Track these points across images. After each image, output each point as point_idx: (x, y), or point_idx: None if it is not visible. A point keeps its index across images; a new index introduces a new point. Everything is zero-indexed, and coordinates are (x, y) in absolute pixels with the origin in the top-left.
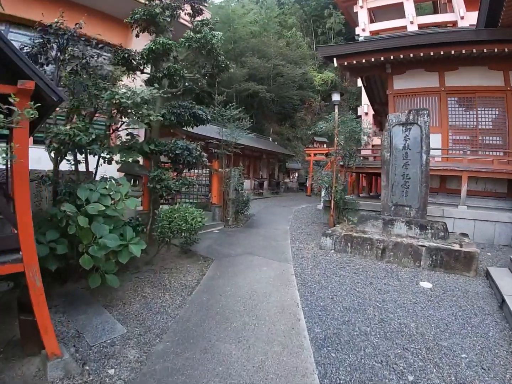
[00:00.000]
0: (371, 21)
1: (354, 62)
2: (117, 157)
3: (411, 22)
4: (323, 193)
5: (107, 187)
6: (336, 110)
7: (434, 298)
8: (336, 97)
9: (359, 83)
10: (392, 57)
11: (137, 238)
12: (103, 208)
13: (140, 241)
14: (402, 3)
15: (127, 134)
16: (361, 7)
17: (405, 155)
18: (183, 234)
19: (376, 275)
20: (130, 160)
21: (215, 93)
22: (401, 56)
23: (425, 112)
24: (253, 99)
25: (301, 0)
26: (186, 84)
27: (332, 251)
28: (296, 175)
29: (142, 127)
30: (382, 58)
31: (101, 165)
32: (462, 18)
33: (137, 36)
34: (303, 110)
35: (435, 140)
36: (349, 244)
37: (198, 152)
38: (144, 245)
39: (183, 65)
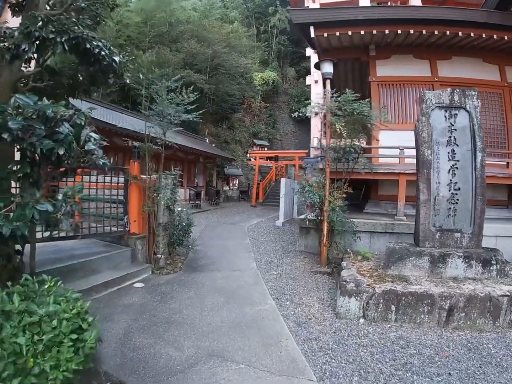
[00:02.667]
0: None
1: (337, 34)
2: None
3: None
4: (306, 211)
5: None
6: (328, 86)
7: None
8: (327, 67)
9: (308, 81)
10: (387, 32)
11: None
12: None
13: None
14: None
15: None
16: None
17: (452, 153)
18: None
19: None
20: None
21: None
22: (399, 31)
23: (474, 93)
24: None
25: None
26: None
27: (362, 320)
28: (237, 182)
29: None
30: (374, 32)
31: None
32: None
33: None
34: (241, 111)
35: None
36: (392, 306)
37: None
38: None
39: None
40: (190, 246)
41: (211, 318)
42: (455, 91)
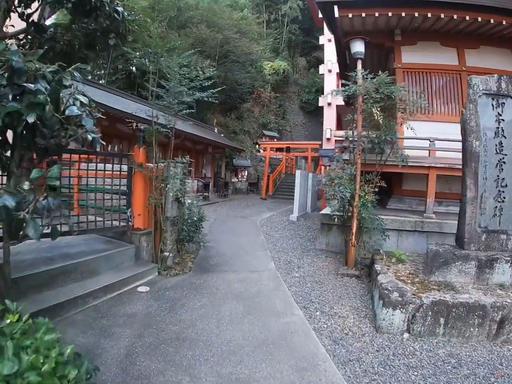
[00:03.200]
0: None
1: (363, 15)
2: None
3: None
4: (332, 205)
5: None
6: (359, 66)
7: None
8: (358, 46)
9: (321, 70)
10: (416, 14)
11: None
12: None
13: None
14: None
15: None
16: None
17: (499, 146)
18: None
19: None
20: None
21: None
22: (429, 15)
23: None
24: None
25: None
26: None
27: (406, 335)
28: (245, 173)
29: None
30: (403, 14)
31: None
32: None
33: None
34: (251, 101)
35: (454, 131)
36: (441, 319)
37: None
38: None
39: None
40: (201, 244)
41: (230, 334)
42: (502, 77)
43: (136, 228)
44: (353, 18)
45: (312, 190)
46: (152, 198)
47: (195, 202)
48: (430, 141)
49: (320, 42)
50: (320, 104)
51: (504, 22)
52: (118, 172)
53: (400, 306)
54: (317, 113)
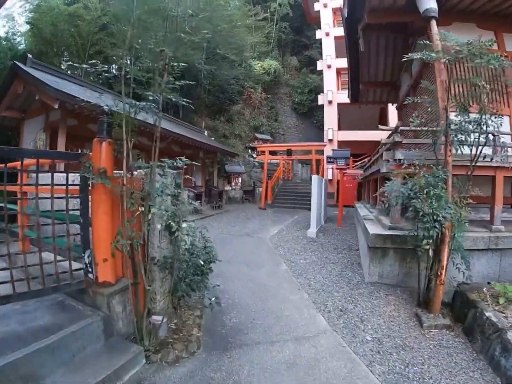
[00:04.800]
0: None
1: None
2: None
3: None
4: (393, 222)
5: None
6: (435, 26)
7: None
8: (430, 2)
9: (319, 66)
10: None
11: None
12: None
13: None
14: None
15: None
16: None
17: None
18: None
19: None
20: None
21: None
22: None
23: None
24: (181, 80)
25: None
26: None
27: None
28: (240, 180)
29: None
30: None
31: None
32: None
33: None
34: (241, 102)
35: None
36: None
37: None
38: None
39: None
40: (206, 293)
41: None
42: None
43: (102, 282)
44: None
45: (325, 198)
46: (125, 232)
47: (197, 230)
48: (494, 135)
49: (317, 37)
50: (319, 103)
51: None
52: (64, 187)
53: None
54: (310, 114)
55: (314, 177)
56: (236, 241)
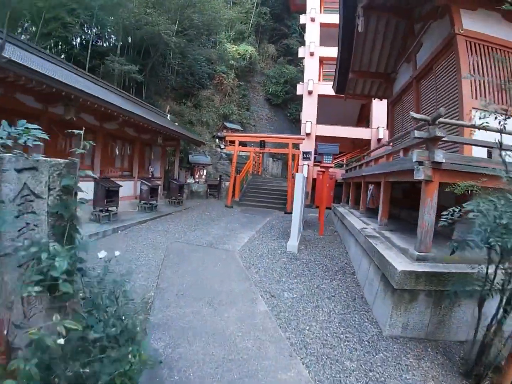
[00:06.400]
0: None
1: None
2: None
3: None
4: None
5: None
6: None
7: None
8: None
9: (301, 53)
10: None
11: None
12: None
13: None
14: None
15: None
16: None
17: None
18: None
19: None
20: None
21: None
22: None
23: None
24: (146, 56)
25: None
26: None
27: None
28: (204, 173)
29: None
30: None
31: None
32: None
33: None
34: (211, 88)
35: None
36: None
37: None
38: None
39: None
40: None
41: None
42: None
43: None
44: None
45: (304, 200)
46: None
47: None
48: None
49: (301, 22)
50: (298, 93)
51: None
52: None
53: None
54: (284, 106)
55: (298, 176)
56: (195, 256)
